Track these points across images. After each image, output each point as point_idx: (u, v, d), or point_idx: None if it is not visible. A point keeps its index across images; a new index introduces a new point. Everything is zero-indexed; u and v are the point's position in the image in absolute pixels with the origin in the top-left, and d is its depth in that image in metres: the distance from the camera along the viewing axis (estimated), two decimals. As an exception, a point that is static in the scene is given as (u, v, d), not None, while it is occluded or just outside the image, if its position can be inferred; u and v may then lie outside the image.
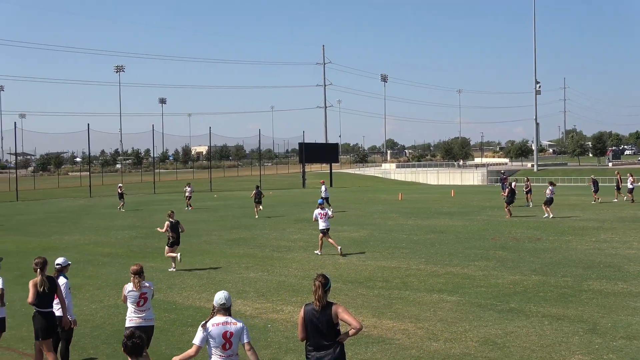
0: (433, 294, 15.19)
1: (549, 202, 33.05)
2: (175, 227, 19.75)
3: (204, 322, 7.31)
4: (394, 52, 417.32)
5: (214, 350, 7.23)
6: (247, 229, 29.67)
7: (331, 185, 79.39)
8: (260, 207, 37.57)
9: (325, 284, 7.37)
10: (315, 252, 22.02)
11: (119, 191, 44.51)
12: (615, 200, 43.52)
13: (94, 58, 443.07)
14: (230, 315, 7.40)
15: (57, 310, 10.05)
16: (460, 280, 16.77)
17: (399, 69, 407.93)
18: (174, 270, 19.14)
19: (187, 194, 43.84)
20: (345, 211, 38.69)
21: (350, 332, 7.26)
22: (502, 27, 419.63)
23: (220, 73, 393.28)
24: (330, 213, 22.47)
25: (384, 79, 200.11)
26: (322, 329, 7.28)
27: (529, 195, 40.63)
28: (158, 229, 20.74)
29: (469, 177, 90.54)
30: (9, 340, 11.71)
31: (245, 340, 7.25)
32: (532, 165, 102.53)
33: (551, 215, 32.50)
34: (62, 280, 10.09)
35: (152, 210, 42.57)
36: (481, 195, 50.66)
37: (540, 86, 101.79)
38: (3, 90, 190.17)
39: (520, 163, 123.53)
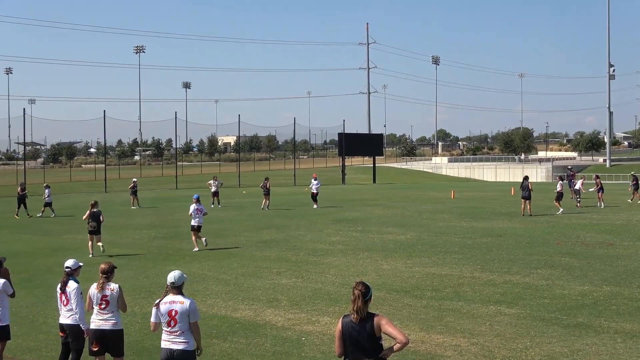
0: (489, 305, 15.09)
1: (559, 197, 36.48)
2: (95, 217, 22.91)
3: (157, 300, 8.67)
4: (447, 31, 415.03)
5: (162, 326, 8.60)
6: (279, 230, 29.78)
7: (374, 181, 79.24)
8: (268, 201, 40.76)
9: (365, 293, 7.34)
10: (195, 249, 24.10)
11: (133, 186, 44.88)
12: None
13: (111, 38, 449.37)
14: (181, 294, 8.68)
15: (68, 317, 10.19)
16: (520, 290, 16.63)
17: (453, 51, 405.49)
18: (92, 256, 22.39)
19: (212, 189, 44.02)
20: (389, 210, 38.60)
21: (395, 347, 7.22)
22: (570, 3, 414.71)
23: (250, 55, 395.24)
24: (204, 210, 24.82)
25: (436, 61, 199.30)
26: (362, 344, 7.25)
27: (600, 194, 40.08)
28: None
29: (532, 173, 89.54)
30: (14, 350, 11.91)
31: (192, 320, 8.59)
32: (604, 160, 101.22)
33: (561, 210, 35.72)
34: (72, 285, 10.24)
35: (174, 208, 42.90)
36: (545, 193, 50.06)
37: (614, 70, 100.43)
38: (11, 72, 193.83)
39: (590, 157, 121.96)
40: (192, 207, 24.36)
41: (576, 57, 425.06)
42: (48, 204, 39.38)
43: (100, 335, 9.85)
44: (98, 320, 9.89)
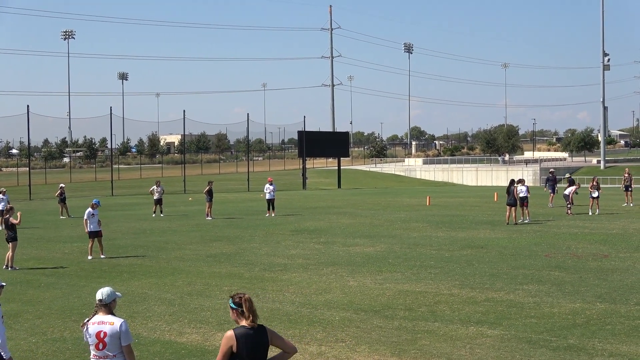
0: (469, 326, 15.22)
1: (526, 202, 36.61)
2: (7, 222, 23.78)
3: (86, 320, 8.76)
4: (421, 16, 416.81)
5: (90, 348, 8.69)
6: (230, 242, 29.72)
7: (339, 186, 79.32)
8: (209, 206, 40.99)
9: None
10: (89, 257, 25.55)
11: (60, 193, 44.47)
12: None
13: (35, 21, 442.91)
14: (111, 313, 8.75)
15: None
16: (504, 309, 16.79)
17: (427, 37, 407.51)
18: (4, 268, 23.33)
19: (155, 196, 43.77)
20: (356, 219, 38.71)
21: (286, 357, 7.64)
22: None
23: (197, 42, 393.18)
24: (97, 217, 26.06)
25: (409, 49, 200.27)
26: (260, 356, 7.44)
27: (596, 200, 40.45)
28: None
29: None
30: None
31: (124, 343, 8.63)
32: (598, 161, 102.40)
33: (527, 219, 36.35)
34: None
35: (109, 218, 42.57)
36: (533, 199, 50.61)
37: (609, 60, 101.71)
38: None
39: (582, 158, 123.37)
40: (89, 211, 25.75)
41: (567, 45, 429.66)
42: None
43: None
44: None
